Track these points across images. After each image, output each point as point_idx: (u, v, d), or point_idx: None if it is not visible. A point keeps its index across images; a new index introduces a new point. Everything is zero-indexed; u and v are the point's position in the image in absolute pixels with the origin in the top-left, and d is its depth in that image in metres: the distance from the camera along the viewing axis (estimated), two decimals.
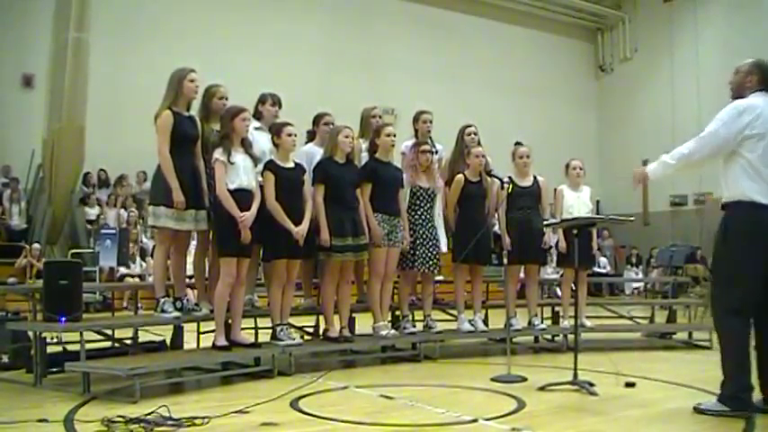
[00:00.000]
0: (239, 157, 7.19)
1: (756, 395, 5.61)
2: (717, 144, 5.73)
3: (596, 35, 29.02)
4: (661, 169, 6.03)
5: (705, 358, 8.25)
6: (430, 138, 9.15)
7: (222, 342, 7.25)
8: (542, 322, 9.80)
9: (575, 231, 7.45)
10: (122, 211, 18.39)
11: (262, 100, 8.29)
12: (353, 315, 8.65)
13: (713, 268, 6.10)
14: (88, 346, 7.01)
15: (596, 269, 10.29)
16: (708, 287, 14.25)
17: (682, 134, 23.46)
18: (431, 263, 8.68)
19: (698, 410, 5.69)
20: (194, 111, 7.64)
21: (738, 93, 5.89)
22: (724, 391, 5.62)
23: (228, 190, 7.09)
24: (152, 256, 14.49)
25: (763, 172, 5.58)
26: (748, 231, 5.57)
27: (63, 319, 6.85)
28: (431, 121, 9.20)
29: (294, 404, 6.06)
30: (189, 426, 5.24)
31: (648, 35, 26.81)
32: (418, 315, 9.12)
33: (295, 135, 7.67)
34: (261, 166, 7.51)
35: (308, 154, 8.42)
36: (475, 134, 9.27)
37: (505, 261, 8.52)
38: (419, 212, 8.70)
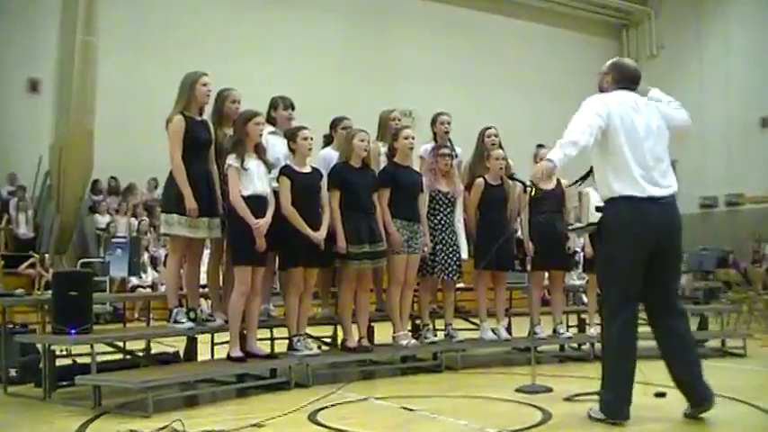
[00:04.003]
0: (253, 163, 7.22)
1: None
2: (590, 120, 5.69)
3: (621, 32, 28.87)
4: (563, 154, 5.67)
5: (739, 366, 8.19)
6: (449, 140, 9.17)
7: (237, 353, 7.28)
8: (568, 330, 9.80)
9: None
10: (133, 219, 18.46)
11: (273, 105, 8.28)
12: (372, 324, 8.67)
13: (597, 274, 6.17)
14: (99, 358, 7.03)
15: None
16: (740, 292, 14.23)
17: (710, 135, 23.45)
18: (451, 269, 8.69)
19: (588, 416, 5.84)
20: (207, 116, 7.68)
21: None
22: (602, 399, 5.74)
23: (242, 196, 7.12)
24: (164, 265, 14.52)
25: (625, 164, 5.61)
26: (619, 227, 5.65)
27: (73, 331, 6.89)
28: (449, 123, 9.21)
29: (312, 417, 6.08)
30: None
31: (675, 31, 26.63)
32: (439, 324, 9.14)
33: (311, 139, 7.70)
34: (275, 172, 7.55)
35: (326, 159, 8.44)
36: (495, 136, 9.28)
37: (529, 267, 8.52)
38: (439, 217, 8.72)
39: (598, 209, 5.92)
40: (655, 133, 5.76)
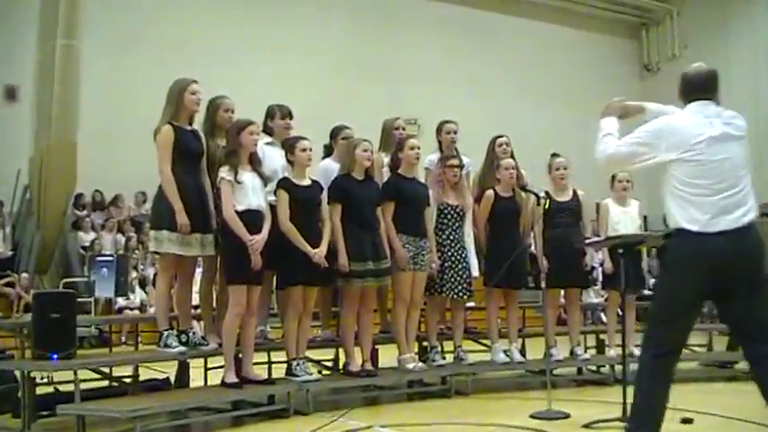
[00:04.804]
0: (247, 176, 7.24)
1: None
2: (631, 154, 5.65)
3: (641, 31, 28.84)
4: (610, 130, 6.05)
5: None
6: (456, 150, 9.18)
7: (232, 379, 7.28)
8: (586, 352, 9.80)
9: (621, 250, 7.42)
10: (120, 235, 18.44)
11: (270, 114, 8.29)
12: (377, 347, 8.68)
13: (651, 305, 6.01)
14: (83, 385, 7.03)
15: (645, 292, 10.20)
16: None
17: None
18: (460, 288, 8.70)
19: None
20: (198, 125, 7.70)
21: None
22: (627, 427, 5.51)
23: (236, 211, 7.13)
24: (153, 284, 14.55)
25: (689, 197, 5.39)
26: (681, 262, 5.41)
27: (55, 356, 6.86)
28: (455, 132, 9.22)
29: None
30: None
31: (699, 30, 26.48)
32: (448, 346, 9.13)
33: (310, 150, 7.71)
34: (272, 185, 7.56)
35: (327, 170, 8.43)
36: (507, 145, 9.29)
37: (543, 285, 8.52)
38: (447, 232, 8.73)
39: (666, 236, 5.80)
40: (735, 151, 5.48)
